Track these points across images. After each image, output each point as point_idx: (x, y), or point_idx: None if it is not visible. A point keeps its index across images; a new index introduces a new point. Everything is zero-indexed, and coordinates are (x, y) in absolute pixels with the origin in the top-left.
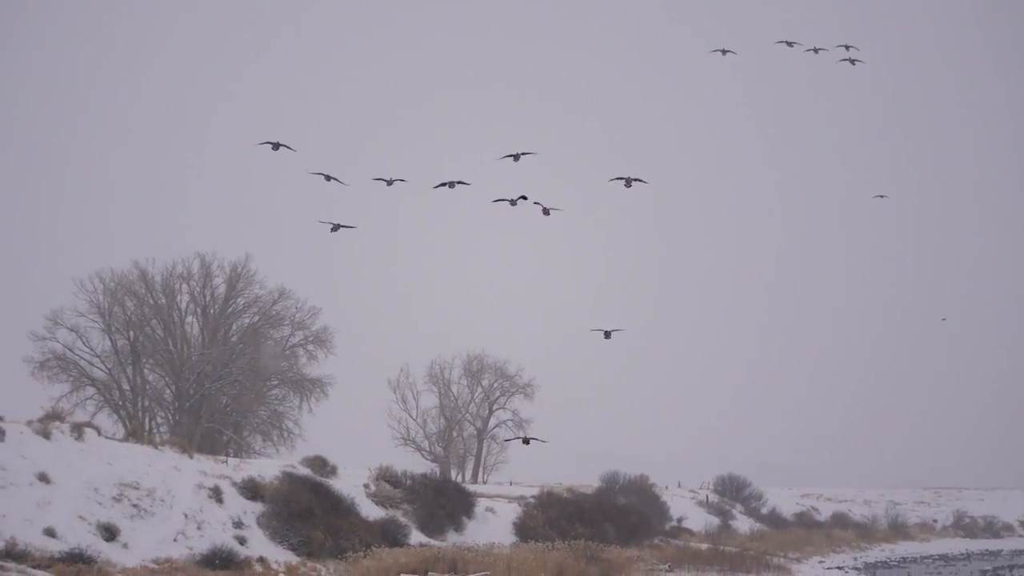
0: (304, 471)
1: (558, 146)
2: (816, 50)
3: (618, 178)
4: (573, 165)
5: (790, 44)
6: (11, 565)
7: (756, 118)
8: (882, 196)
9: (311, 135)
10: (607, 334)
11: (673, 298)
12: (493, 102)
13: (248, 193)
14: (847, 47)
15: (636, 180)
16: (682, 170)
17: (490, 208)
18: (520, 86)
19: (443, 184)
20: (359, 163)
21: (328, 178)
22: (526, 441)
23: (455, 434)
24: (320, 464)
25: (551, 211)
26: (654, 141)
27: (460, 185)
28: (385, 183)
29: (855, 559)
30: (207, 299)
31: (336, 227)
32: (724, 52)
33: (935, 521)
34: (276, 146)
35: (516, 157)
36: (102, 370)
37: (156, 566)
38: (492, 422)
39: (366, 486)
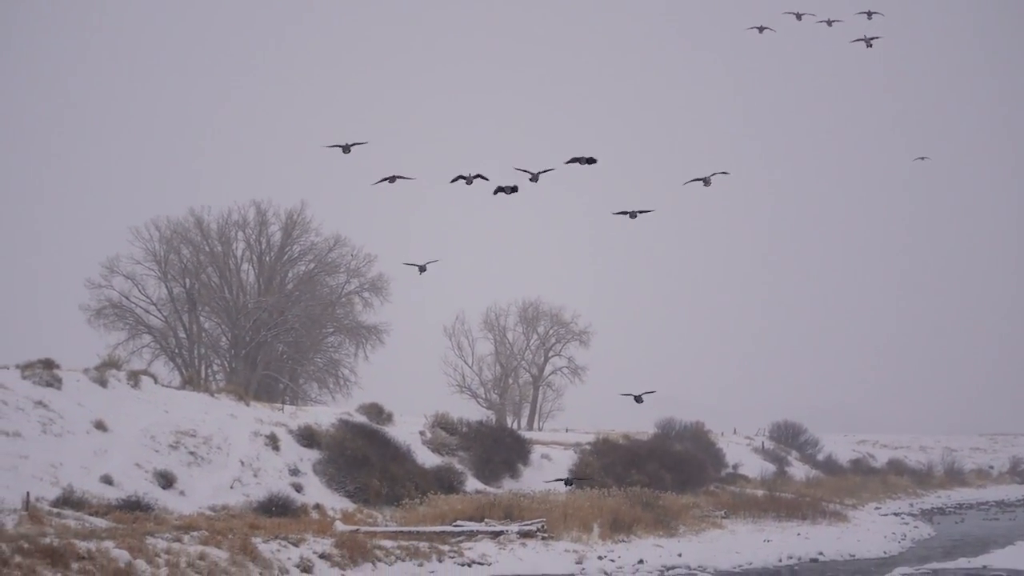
0: (360, 418)
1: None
2: (830, 22)
3: (697, 179)
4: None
5: (799, 16)
6: (68, 513)
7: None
8: (923, 158)
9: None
10: (638, 399)
11: (729, 243)
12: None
13: (303, 140)
14: (869, 14)
15: (716, 175)
16: (728, 111)
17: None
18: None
19: (460, 178)
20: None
21: (346, 149)
22: (639, 399)
23: (511, 381)
24: (376, 411)
25: (538, 176)
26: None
27: (479, 179)
28: (387, 182)
29: (911, 505)
30: (263, 246)
31: (347, 148)
32: (761, 30)
33: (991, 468)
34: (347, 148)
35: (534, 178)
36: (158, 318)
37: (213, 513)
38: (548, 369)
39: (422, 433)
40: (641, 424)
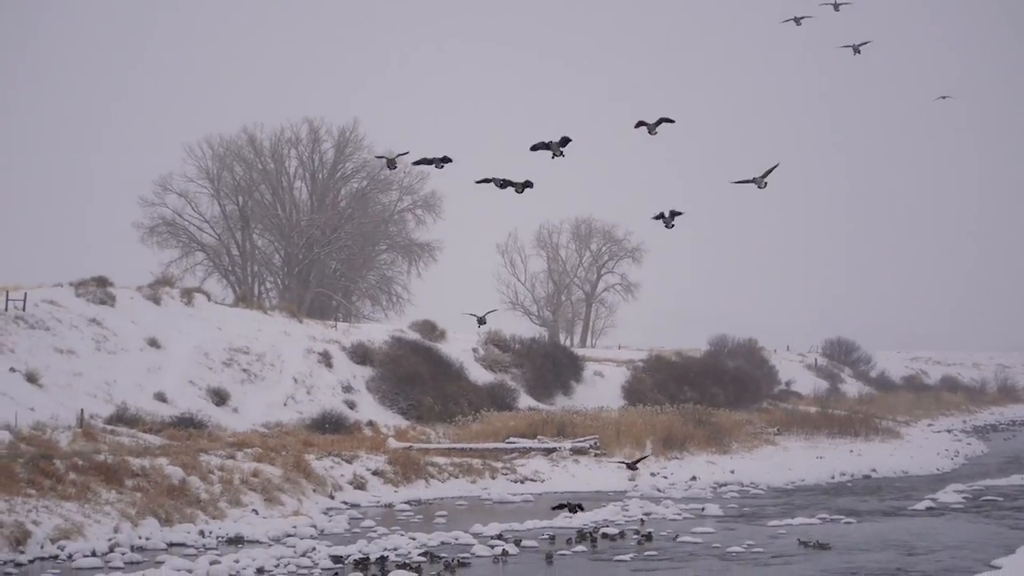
0: (413, 335)
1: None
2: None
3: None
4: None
5: None
6: (123, 430)
7: None
8: (945, 97)
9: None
10: (668, 220)
11: (782, 157)
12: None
13: (357, 58)
14: None
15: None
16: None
17: (596, 77)
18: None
19: (425, 161)
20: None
21: (391, 164)
22: (669, 221)
23: (563, 298)
24: (429, 328)
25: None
26: None
27: (445, 163)
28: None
29: (964, 422)
30: (315, 164)
31: (392, 163)
32: (799, 21)
33: None
34: (392, 163)
35: (558, 146)
36: (211, 235)
37: (266, 430)
38: (600, 286)
39: (475, 350)
40: (694, 341)
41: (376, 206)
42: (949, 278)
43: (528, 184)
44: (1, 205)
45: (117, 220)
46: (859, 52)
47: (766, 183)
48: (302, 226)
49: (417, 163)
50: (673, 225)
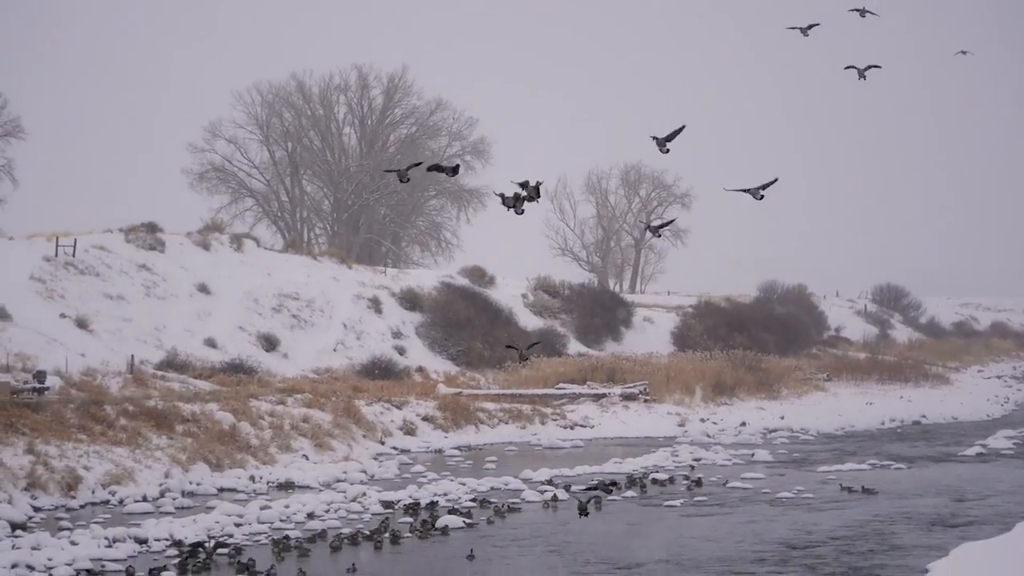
0: (462, 281)
1: None
2: None
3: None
4: None
5: None
6: (173, 375)
7: None
8: (964, 52)
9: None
10: (655, 231)
11: (830, 101)
12: None
13: (404, 3)
14: None
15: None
16: None
17: (648, 16)
18: None
19: (438, 168)
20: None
21: (403, 178)
22: (664, 145)
23: (612, 244)
24: (478, 274)
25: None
26: None
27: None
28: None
29: (1014, 368)
30: (364, 110)
31: (405, 177)
32: (863, 13)
33: None
34: (404, 177)
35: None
36: (260, 181)
37: (316, 376)
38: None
39: (524, 296)
40: (743, 287)
41: (425, 152)
42: (1000, 224)
43: (534, 191)
44: (50, 152)
45: (166, 166)
46: (864, 78)
47: (762, 195)
48: (351, 172)
49: (431, 169)
50: (762, 197)
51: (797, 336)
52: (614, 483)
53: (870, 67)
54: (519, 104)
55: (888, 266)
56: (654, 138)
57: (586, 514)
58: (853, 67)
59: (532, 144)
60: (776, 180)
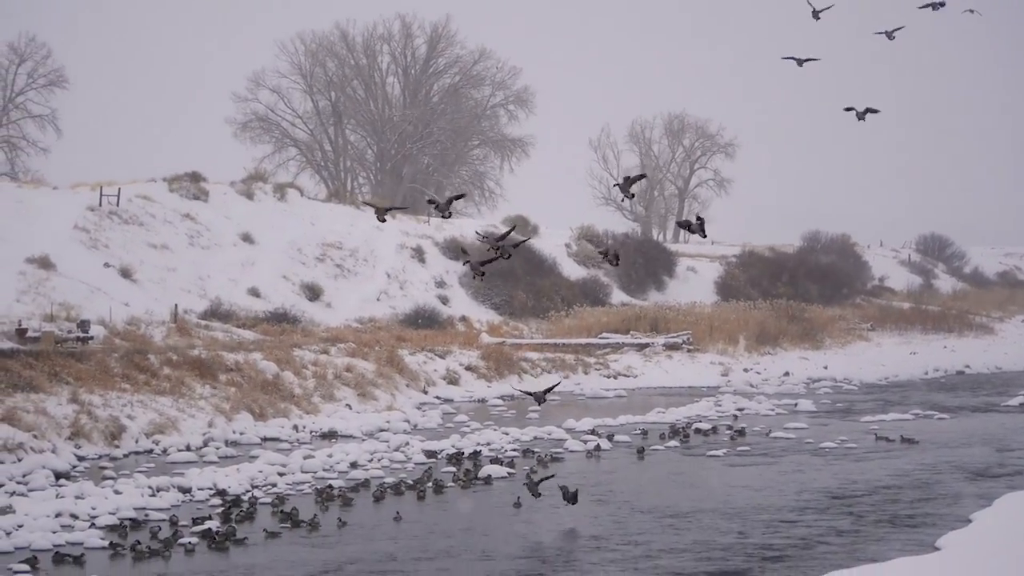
0: (505, 231)
1: None
2: None
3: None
4: None
5: None
6: (216, 325)
7: None
8: (971, 11)
9: None
10: (800, 62)
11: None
12: None
13: None
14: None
15: None
16: None
17: None
18: None
19: (433, 203)
20: None
21: (438, 204)
22: (861, 116)
23: (656, 194)
24: (522, 224)
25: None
26: None
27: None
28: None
29: None
30: (408, 60)
31: (440, 204)
32: (935, 7)
33: None
34: (438, 204)
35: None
36: (304, 131)
37: (359, 325)
38: (693, 181)
39: (567, 246)
40: (787, 237)
41: (468, 102)
42: None
43: (452, 201)
44: (94, 102)
45: (210, 116)
46: (893, 38)
47: (863, 118)
48: (394, 121)
49: (430, 202)
50: (864, 119)
51: (841, 286)
52: (548, 389)
53: (868, 111)
54: (562, 53)
55: (932, 215)
56: (616, 184)
57: (538, 495)
58: (883, 32)
59: (575, 93)
60: (880, 111)
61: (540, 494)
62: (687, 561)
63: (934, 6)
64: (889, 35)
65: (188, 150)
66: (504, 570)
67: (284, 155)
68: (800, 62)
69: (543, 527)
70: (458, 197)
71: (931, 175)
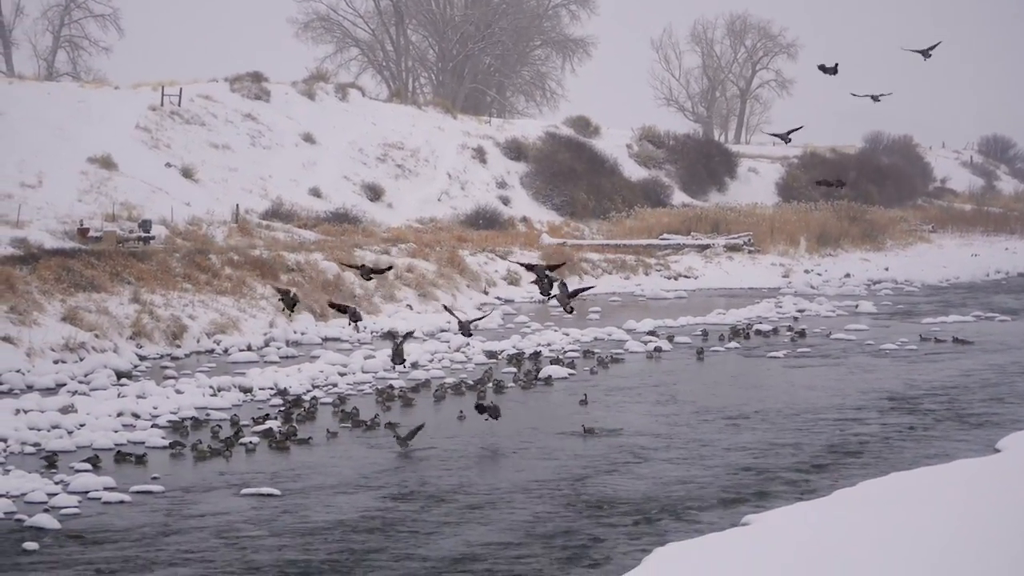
0: (567, 131)
1: None
2: None
3: None
4: None
5: None
6: (277, 225)
7: None
8: None
9: None
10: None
11: None
12: None
13: None
14: None
15: None
16: None
17: None
18: None
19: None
20: None
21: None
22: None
23: (717, 94)
24: (583, 124)
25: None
26: None
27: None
28: None
29: None
30: None
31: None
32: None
33: None
34: None
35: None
36: (365, 31)
37: (420, 225)
38: (755, 82)
39: (629, 146)
40: (848, 138)
41: (530, 2)
42: None
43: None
44: (156, 0)
45: (271, 16)
46: (930, 56)
47: (930, 55)
48: (456, 21)
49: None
50: (929, 56)
51: (902, 187)
52: (408, 333)
53: (935, 45)
54: None
55: (995, 117)
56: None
57: (486, 412)
58: (918, 51)
59: None
60: (940, 42)
61: (408, 444)
62: (752, 459)
63: (924, 54)
64: (925, 54)
65: (250, 50)
66: (570, 467)
67: (345, 55)
68: (926, 54)
69: (609, 425)
70: (480, 318)
71: (994, 76)
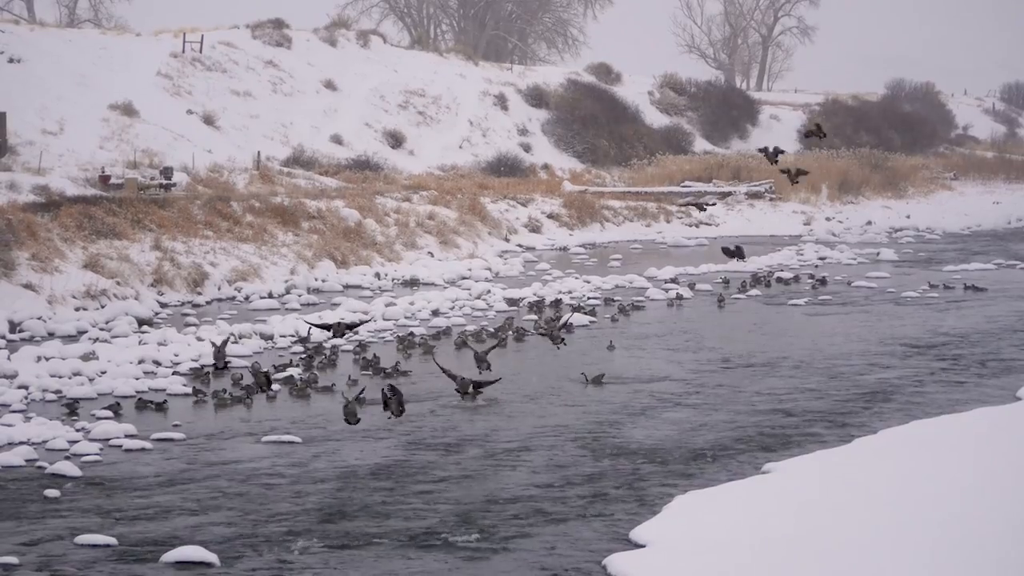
0: (589, 78)
1: None
2: None
3: None
4: None
5: None
6: (299, 172)
7: None
8: None
9: None
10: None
11: None
12: None
13: None
14: None
15: None
16: None
17: None
18: None
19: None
20: None
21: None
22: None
23: (740, 41)
24: (605, 71)
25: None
26: None
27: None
28: None
29: None
30: None
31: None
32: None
33: None
34: None
35: None
36: None
37: (442, 172)
38: (777, 29)
39: (650, 93)
40: (871, 85)
41: None
42: None
43: (349, 327)
44: None
45: None
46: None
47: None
48: None
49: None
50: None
51: (924, 135)
52: (350, 325)
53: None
54: None
55: (1018, 64)
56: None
57: (356, 420)
58: None
59: None
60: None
61: (358, 418)
62: (773, 407)
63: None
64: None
65: None
66: (598, 411)
67: (367, 2)
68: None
69: (631, 372)
70: (492, 383)
71: (1016, 22)
